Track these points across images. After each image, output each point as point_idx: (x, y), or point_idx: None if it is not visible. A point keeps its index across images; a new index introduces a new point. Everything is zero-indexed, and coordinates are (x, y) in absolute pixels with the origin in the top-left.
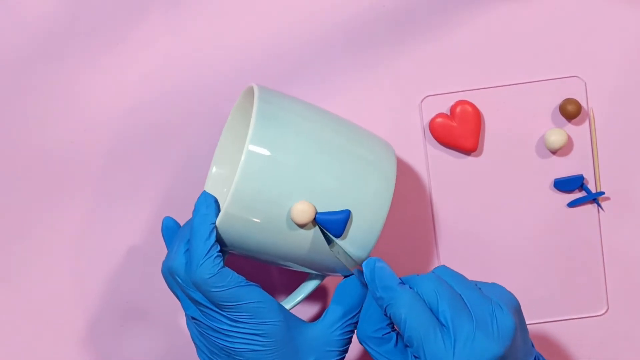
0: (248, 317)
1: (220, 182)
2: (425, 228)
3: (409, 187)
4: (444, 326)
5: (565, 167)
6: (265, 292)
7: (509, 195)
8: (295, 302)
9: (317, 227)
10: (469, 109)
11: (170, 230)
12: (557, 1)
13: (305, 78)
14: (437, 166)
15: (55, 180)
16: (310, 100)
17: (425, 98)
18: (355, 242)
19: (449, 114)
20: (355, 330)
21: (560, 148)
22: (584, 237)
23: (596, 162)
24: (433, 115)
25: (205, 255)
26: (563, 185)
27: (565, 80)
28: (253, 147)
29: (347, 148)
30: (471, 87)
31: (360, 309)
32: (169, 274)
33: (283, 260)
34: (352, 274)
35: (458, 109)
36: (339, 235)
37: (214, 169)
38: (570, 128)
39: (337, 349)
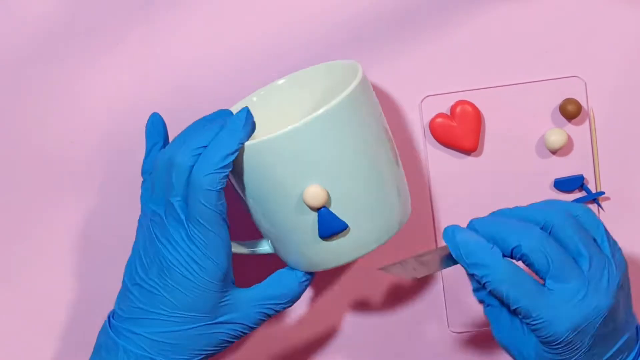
0: (202, 244)
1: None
2: (426, 228)
3: (409, 187)
4: (551, 290)
5: (565, 167)
6: (228, 235)
7: (509, 195)
8: (243, 250)
9: (314, 215)
10: (469, 109)
11: (157, 126)
12: (557, 1)
13: None
14: (437, 166)
15: (55, 180)
16: None
17: (425, 98)
18: (330, 250)
19: (449, 114)
20: (272, 314)
21: (560, 148)
22: None
23: (596, 162)
24: (433, 115)
25: (219, 168)
26: (563, 185)
27: (565, 80)
28: (330, 112)
29: (390, 176)
30: (471, 87)
31: (284, 302)
32: (166, 163)
33: (264, 217)
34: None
35: (458, 109)
36: (321, 236)
37: (254, 99)
38: (570, 128)
39: (248, 324)
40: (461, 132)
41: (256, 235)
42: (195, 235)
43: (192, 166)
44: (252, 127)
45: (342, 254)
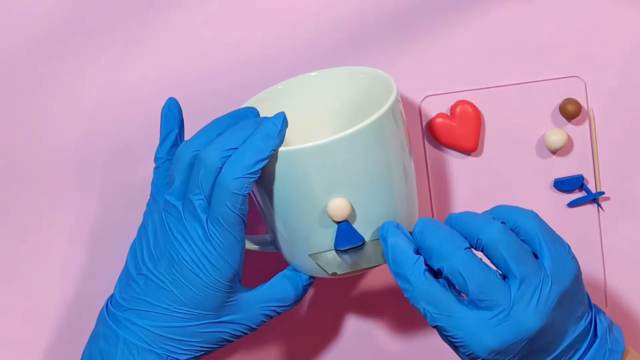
0: (220, 245)
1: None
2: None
3: None
4: (471, 311)
5: (565, 167)
6: (244, 238)
7: (509, 195)
8: (250, 246)
9: (334, 226)
10: (469, 109)
11: (174, 112)
12: (557, 1)
13: None
14: (437, 166)
15: (55, 180)
16: None
17: (425, 98)
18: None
19: (449, 114)
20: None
21: (560, 148)
22: (583, 237)
23: (596, 162)
24: (433, 115)
25: (249, 173)
26: (563, 185)
27: (565, 80)
28: (365, 130)
29: (410, 189)
30: (471, 87)
31: (287, 305)
32: (192, 158)
33: (280, 221)
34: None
35: (458, 109)
36: (336, 247)
37: (279, 87)
38: (570, 128)
39: (250, 324)
40: (461, 132)
41: (256, 230)
42: (214, 235)
43: (221, 167)
44: (285, 132)
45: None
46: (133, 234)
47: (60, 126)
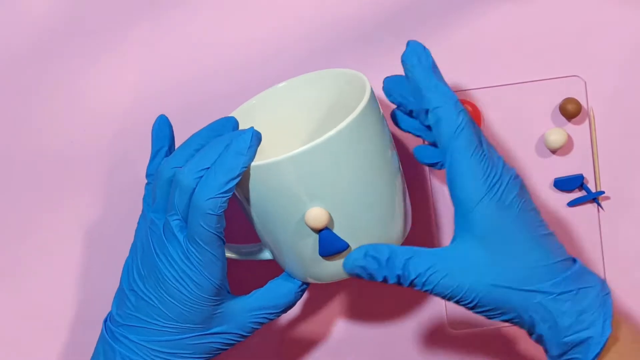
0: (199, 262)
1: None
2: (426, 228)
3: (409, 186)
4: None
5: (565, 167)
6: (225, 254)
7: None
8: (243, 257)
9: (316, 235)
10: (469, 108)
11: (163, 129)
12: (557, 1)
13: None
14: None
15: (55, 180)
16: None
17: None
18: (330, 266)
19: None
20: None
21: (560, 147)
22: (583, 236)
23: (596, 161)
24: None
25: (221, 193)
26: (563, 184)
27: (566, 80)
28: (336, 137)
29: (393, 191)
30: (471, 87)
31: (277, 312)
32: (167, 178)
33: (265, 232)
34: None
35: None
36: (322, 255)
37: (254, 102)
38: (570, 127)
39: (241, 333)
40: None
41: (255, 238)
42: (192, 254)
43: (195, 188)
44: (257, 147)
45: (340, 271)
46: (132, 235)
47: (60, 126)
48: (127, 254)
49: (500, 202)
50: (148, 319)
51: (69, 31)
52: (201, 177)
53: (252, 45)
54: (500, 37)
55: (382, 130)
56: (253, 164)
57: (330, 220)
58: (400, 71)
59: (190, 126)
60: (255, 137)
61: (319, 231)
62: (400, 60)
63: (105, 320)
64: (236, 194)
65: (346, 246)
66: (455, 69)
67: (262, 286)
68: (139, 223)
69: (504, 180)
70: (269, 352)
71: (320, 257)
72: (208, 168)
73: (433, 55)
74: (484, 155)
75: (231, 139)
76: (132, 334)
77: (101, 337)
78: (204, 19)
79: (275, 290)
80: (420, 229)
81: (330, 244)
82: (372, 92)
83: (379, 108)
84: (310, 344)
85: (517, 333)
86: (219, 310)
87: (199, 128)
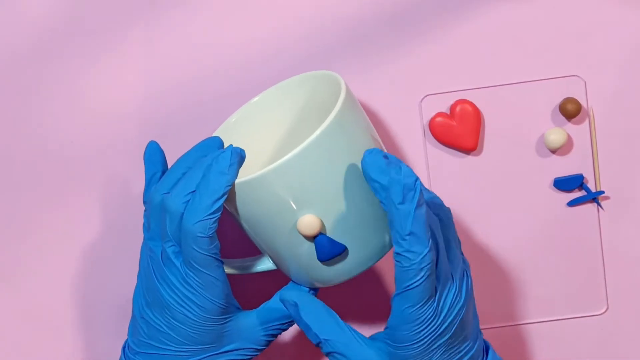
0: (199, 286)
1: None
2: None
3: None
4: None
5: (565, 166)
6: (225, 273)
7: (509, 194)
8: (246, 271)
9: (311, 242)
10: (469, 108)
11: (155, 155)
12: (557, 1)
13: None
14: (437, 165)
15: (55, 180)
16: None
17: (425, 97)
18: (331, 270)
19: (448, 113)
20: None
21: (560, 147)
22: (583, 236)
23: (596, 161)
24: (433, 114)
25: (208, 215)
26: (563, 184)
27: (565, 80)
28: (315, 142)
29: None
30: (471, 86)
31: (289, 322)
32: (159, 205)
33: (262, 243)
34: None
35: (458, 108)
36: (320, 260)
37: (234, 119)
38: (570, 127)
39: (256, 347)
40: (461, 131)
41: (256, 250)
42: (191, 278)
43: (183, 213)
44: (240, 164)
45: (343, 273)
46: (133, 235)
47: (60, 126)
48: (126, 252)
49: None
50: (160, 345)
51: (69, 31)
52: (187, 201)
53: (252, 45)
54: (500, 37)
55: (364, 129)
56: (238, 180)
57: (323, 225)
58: (399, 71)
59: (190, 126)
60: (236, 154)
61: (313, 238)
62: (400, 60)
63: (124, 348)
64: (228, 210)
65: (343, 248)
66: (455, 68)
67: (270, 297)
68: (141, 250)
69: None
70: (270, 352)
71: (320, 263)
72: (192, 192)
73: (433, 54)
74: (432, 308)
75: (212, 159)
76: None
77: None
78: (204, 19)
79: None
80: None
81: (327, 248)
82: (348, 92)
83: (358, 106)
84: (310, 343)
85: (518, 333)
86: (227, 329)
87: (199, 128)
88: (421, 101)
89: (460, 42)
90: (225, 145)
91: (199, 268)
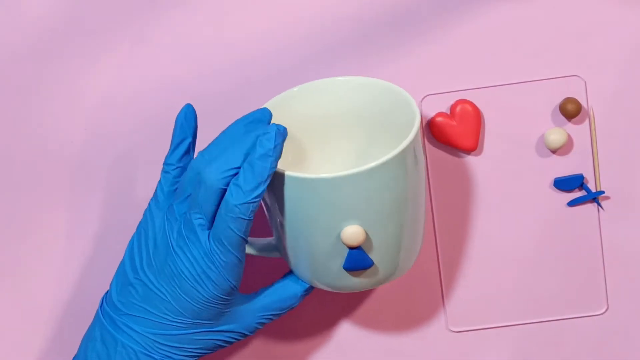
0: (221, 264)
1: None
2: (425, 227)
3: None
4: None
5: (565, 166)
6: (245, 256)
7: (509, 194)
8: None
9: (345, 249)
10: (469, 108)
11: (189, 120)
12: (557, 1)
13: (304, 77)
14: (437, 165)
15: (55, 180)
16: None
17: (425, 97)
18: (347, 278)
19: (448, 113)
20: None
21: (560, 147)
22: (583, 236)
23: (596, 161)
24: (433, 114)
25: (252, 198)
26: (563, 184)
27: (566, 80)
28: (380, 167)
29: (421, 218)
30: (471, 86)
31: (283, 313)
32: (197, 172)
33: (289, 237)
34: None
35: (458, 108)
36: (345, 269)
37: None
38: (570, 127)
39: (245, 332)
40: (461, 131)
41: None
42: (216, 254)
43: (222, 188)
44: (283, 144)
45: (354, 284)
46: (132, 234)
47: (60, 126)
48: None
49: None
50: (157, 312)
51: (69, 31)
52: (229, 176)
53: (252, 45)
54: (500, 36)
55: (421, 161)
56: (295, 174)
57: (364, 239)
58: (399, 71)
59: None
60: (280, 135)
61: (350, 247)
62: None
63: (102, 303)
64: (265, 196)
65: (371, 264)
66: (455, 68)
67: (263, 281)
68: (149, 207)
69: None
70: (271, 353)
71: (341, 269)
72: (234, 168)
73: (433, 54)
74: None
75: (256, 137)
76: (137, 324)
77: (98, 321)
78: (203, 19)
79: (282, 293)
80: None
81: (357, 261)
82: (420, 121)
83: (420, 140)
84: (310, 343)
85: (518, 333)
86: (228, 309)
87: (199, 127)
88: (421, 101)
89: (460, 42)
90: (277, 117)
91: (229, 247)
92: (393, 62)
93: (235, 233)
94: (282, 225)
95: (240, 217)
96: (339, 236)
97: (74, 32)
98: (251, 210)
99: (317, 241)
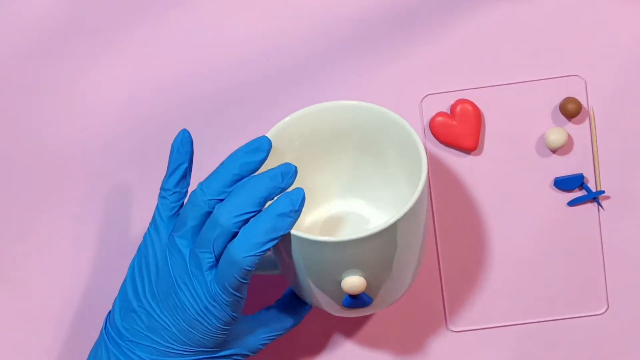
0: (224, 302)
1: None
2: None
3: None
4: None
5: (566, 166)
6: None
7: (509, 194)
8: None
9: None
10: (469, 107)
11: (185, 145)
12: (557, 1)
13: (304, 77)
14: (437, 165)
15: (55, 180)
16: (309, 99)
17: (425, 97)
18: (340, 309)
19: (449, 112)
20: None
21: (561, 147)
22: (584, 236)
23: (596, 161)
24: (433, 114)
25: (258, 252)
26: (563, 184)
27: (566, 79)
28: (397, 224)
29: (422, 255)
30: (471, 86)
31: (285, 332)
32: (201, 206)
33: (292, 273)
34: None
35: (458, 108)
36: (344, 306)
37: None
38: (570, 127)
39: (249, 353)
40: (461, 131)
41: None
42: (219, 296)
43: (234, 231)
44: (302, 209)
45: (357, 313)
46: (133, 234)
47: (60, 126)
48: (126, 252)
49: None
50: (162, 341)
51: (69, 31)
52: (242, 221)
53: (252, 45)
54: (500, 36)
55: (426, 208)
56: (298, 234)
57: (364, 287)
58: (399, 71)
59: (190, 125)
60: (303, 201)
61: (351, 296)
62: (400, 60)
63: (106, 325)
64: None
65: (370, 302)
66: (455, 68)
67: (264, 299)
68: (149, 232)
69: None
70: (271, 355)
71: (340, 304)
72: (249, 212)
73: (433, 53)
74: None
75: (277, 189)
76: (142, 352)
77: (103, 343)
78: (204, 19)
79: (284, 313)
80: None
81: (356, 301)
82: (427, 169)
83: (426, 186)
84: (310, 343)
85: (518, 333)
86: (230, 336)
87: (199, 127)
88: (421, 101)
89: (460, 42)
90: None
91: (232, 290)
92: (393, 62)
93: (239, 280)
94: (284, 266)
95: (245, 268)
96: (339, 283)
97: (74, 32)
98: (256, 262)
99: (318, 285)
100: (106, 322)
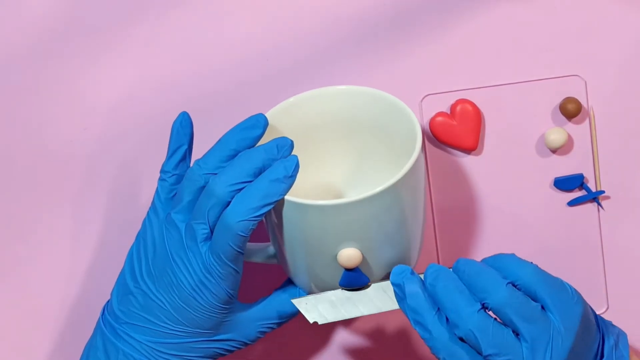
0: (219, 276)
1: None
2: (425, 227)
3: None
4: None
5: (565, 166)
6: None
7: (509, 194)
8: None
9: (341, 269)
10: (469, 107)
11: (185, 127)
12: (557, 1)
13: (304, 77)
14: (437, 165)
15: (55, 180)
16: None
17: (425, 97)
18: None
19: (449, 112)
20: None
21: (561, 147)
22: (584, 236)
23: (596, 161)
24: (433, 114)
25: (253, 217)
26: (563, 184)
27: (566, 79)
28: (382, 193)
29: (420, 233)
30: (471, 86)
31: (283, 322)
32: (198, 181)
33: (288, 253)
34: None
35: (458, 108)
36: (341, 285)
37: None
38: (570, 127)
39: (246, 341)
40: (461, 131)
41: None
42: (214, 267)
43: (229, 201)
44: (296, 176)
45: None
46: (133, 234)
47: (60, 126)
48: (126, 253)
49: None
50: (157, 321)
51: (69, 31)
52: (236, 190)
53: (252, 44)
54: (500, 36)
55: (423, 181)
56: (293, 199)
57: (361, 260)
58: (399, 71)
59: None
60: (297, 167)
61: (347, 269)
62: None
63: (104, 312)
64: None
65: (367, 282)
66: (455, 67)
67: (261, 289)
68: (148, 216)
69: None
70: (271, 355)
71: (337, 285)
72: (243, 182)
73: (433, 53)
74: None
75: (272, 161)
76: (138, 333)
77: (100, 330)
78: (203, 19)
79: (282, 302)
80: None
81: (353, 279)
82: (422, 137)
83: (423, 159)
84: (309, 343)
85: None
86: (227, 319)
87: (199, 127)
88: (421, 101)
89: (460, 42)
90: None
91: (226, 261)
92: (393, 62)
93: (233, 248)
94: (280, 241)
95: (238, 234)
96: (335, 257)
97: (74, 32)
98: (250, 228)
99: (314, 260)
100: (104, 310)
